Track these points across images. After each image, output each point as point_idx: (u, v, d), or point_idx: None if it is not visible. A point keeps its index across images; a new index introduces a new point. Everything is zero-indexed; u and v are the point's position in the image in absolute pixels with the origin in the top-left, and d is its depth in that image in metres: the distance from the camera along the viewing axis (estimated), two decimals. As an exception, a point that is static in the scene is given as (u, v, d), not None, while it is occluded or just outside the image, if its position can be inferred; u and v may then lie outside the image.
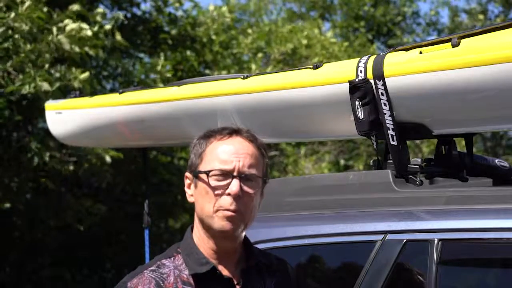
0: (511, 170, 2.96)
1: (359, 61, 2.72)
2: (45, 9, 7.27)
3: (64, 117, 4.15)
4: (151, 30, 10.47)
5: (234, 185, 2.11)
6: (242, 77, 3.19)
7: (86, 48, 7.28)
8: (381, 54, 2.71)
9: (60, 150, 7.81)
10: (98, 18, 7.89)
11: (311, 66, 2.96)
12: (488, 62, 2.39)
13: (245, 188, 2.12)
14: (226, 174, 2.12)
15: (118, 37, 8.34)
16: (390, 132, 2.66)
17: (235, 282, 2.16)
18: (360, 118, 2.69)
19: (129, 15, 10.51)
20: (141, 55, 11.16)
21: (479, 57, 2.41)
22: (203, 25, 11.15)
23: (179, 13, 11.07)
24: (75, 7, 7.34)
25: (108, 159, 7.99)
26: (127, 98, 3.77)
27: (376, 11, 19.98)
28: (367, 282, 2.47)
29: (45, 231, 9.69)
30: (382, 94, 2.63)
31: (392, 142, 2.67)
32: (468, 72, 2.44)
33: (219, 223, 2.12)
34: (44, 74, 6.80)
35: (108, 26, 7.96)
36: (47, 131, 7.28)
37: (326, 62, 3.01)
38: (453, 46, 2.48)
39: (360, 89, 2.67)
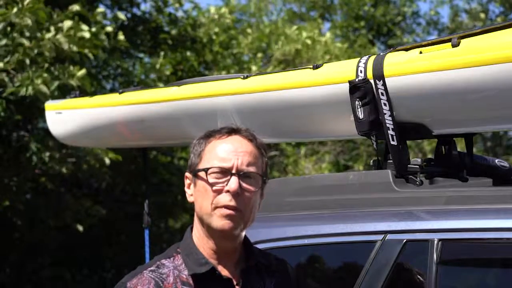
0: (511, 170, 2.95)
1: (359, 61, 2.73)
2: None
3: (64, 117, 4.15)
4: (151, 30, 10.47)
5: (233, 182, 2.11)
6: (242, 77, 3.19)
7: (86, 50, 7.28)
8: (381, 54, 2.71)
9: (59, 150, 7.81)
10: (99, 18, 7.89)
11: (311, 66, 2.96)
12: (488, 62, 2.39)
13: (244, 185, 2.13)
14: (225, 172, 2.13)
15: (121, 37, 8.35)
16: (390, 132, 2.66)
17: (235, 283, 2.16)
18: (360, 118, 2.69)
19: (129, 15, 10.51)
20: (141, 55, 11.16)
21: (479, 57, 2.41)
22: (203, 26, 11.15)
23: (179, 13, 11.08)
24: (75, 7, 7.34)
25: (107, 161, 8.00)
26: (127, 98, 3.77)
27: (376, 11, 19.98)
28: (367, 282, 2.47)
29: (45, 231, 9.69)
30: (382, 94, 2.63)
31: (392, 142, 2.67)
32: (468, 72, 2.44)
33: (218, 222, 2.12)
34: (42, 75, 6.79)
35: (109, 28, 7.96)
36: (47, 131, 7.28)
37: (326, 62, 3.01)
38: (453, 46, 2.48)
39: (360, 89, 2.67)
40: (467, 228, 2.37)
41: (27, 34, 6.99)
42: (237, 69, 11.62)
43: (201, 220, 2.16)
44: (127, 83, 9.43)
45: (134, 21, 10.47)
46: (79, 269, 10.77)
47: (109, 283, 10.62)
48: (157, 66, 10.05)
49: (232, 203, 2.11)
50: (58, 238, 10.14)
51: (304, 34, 13.14)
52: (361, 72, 2.68)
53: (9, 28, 6.98)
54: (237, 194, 2.11)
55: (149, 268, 2.16)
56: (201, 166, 2.16)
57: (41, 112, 7.33)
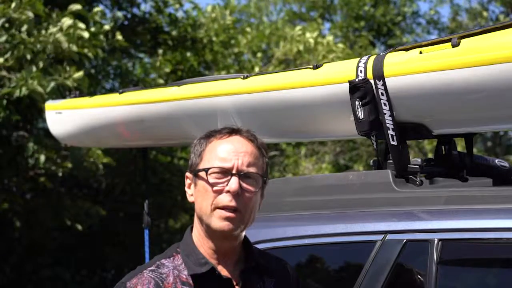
0: (511, 170, 2.96)
1: (359, 61, 2.73)
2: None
3: (64, 117, 4.15)
4: (151, 31, 10.47)
5: (233, 183, 2.11)
6: (242, 77, 3.19)
7: (85, 50, 7.27)
8: (381, 54, 2.71)
9: (56, 152, 7.80)
10: (97, 18, 7.88)
11: (311, 66, 2.96)
12: (488, 62, 2.39)
13: (245, 186, 2.12)
14: (225, 172, 2.12)
15: (119, 37, 8.34)
16: (390, 132, 2.66)
17: (234, 283, 2.16)
18: (360, 118, 2.69)
19: (129, 15, 10.51)
20: (141, 55, 11.17)
21: (479, 57, 2.41)
22: (203, 27, 11.15)
23: (179, 14, 11.08)
24: (75, 7, 7.34)
25: (100, 166, 8.01)
26: (127, 98, 3.77)
27: (376, 11, 19.98)
28: (367, 282, 2.47)
29: (45, 232, 9.69)
30: (382, 94, 2.63)
31: (392, 142, 2.67)
32: (468, 72, 2.44)
33: (218, 222, 2.12)
34: (38, 75, 6.77)
35: (107, 27, 7.95)
36: (46, 131, 7.28)
37: (326, 62, 3.01)
38: (453, 46, 2.48)
39: (360, 89, 2.67)
40: (467, 228, 2.37)
41: (26, 28, 6.96)
42: (237, 69, 11.62)
43: (201, 220, 2.16)
44: (127, 82, 9.43)
45: (134, 21, 10.47)
46: (79, 269, 10.77)
47: (109, 283, 10.62)
48: (157, 64, 10.06)
49: (232, 203, 2.11)
50: (58, 238, 10.15)
51: (308, 34, 13.14)
52: (361, 72, 2.68)
53: (7, 25, 6.96)
54: (237, 195, 2.11)
55: (149, 268, 2.16)
56: (202, 166, 2.16)
57: (40, 112, 7.35)
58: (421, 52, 2.58)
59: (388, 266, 2.45)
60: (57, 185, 9.23)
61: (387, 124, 2.66)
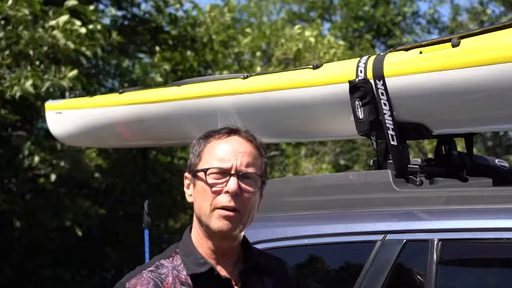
0: (511, 170, 2.95)
1: (359, 61, 2.73)
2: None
3: (64, 117, 4.15)
4: (151, 31, 10.47)
5: (232, 183, 2.11)
6: (242, 77, 3.19)
7: (83, 48, 7.25)
8: (381, 54, 2.71)
9: (52, 153, 7.79)
10: (94, 17, 7.86)
11: (311, 66, 2.96)
12: (488, 62, 2.39)
13: (243, 186, 2.12)
14: (224, 172, 2.12)
15: (114, 35, 8.33)
16: (390, 132, 2.66)
17: (233, 283, 2.16)
18: (360, 118, 2.69)
19: (129, 15, 10.51)
20: (141, 55, 11.17)
21: (479, 57, 2.41)
22: (203, 25, 11.15)
23: (179, 13, 11.08)
24: (71, 2, 7.31)
25: (94, 168, 8.00)
26: (127, 98, 3.77)
27: (376, 12, 19.97)
28: (367, 282, 2.47)
29: (45, 232, 9.69)
30: (382, 94, 2.63)
31: (392, 142, 2.67)
32: (468, 72, 2.44)
33: (217, 223, 2.11)
34: (33, 74, 6.75)
35: (101, 25, 7.93)
36: (47, 131, 7.27)
37: (326, 62, 3.01)
38: (453, 46, 2.48)
39: (360, 89, 2.67)
40: (467, 228, 2.37)
41: (23, 26, 6.94)
42: (237, 69, 11.62)
43: (200, 221, 2.16)
44: (126, 82, 9.43)
45: (134, 21, 10.47)
46: (79, 269, 10.77)
47: (109, 283, 10.61)
48: (155, 60, 10.07)
49: (231, 204, 2.11)
50: (57, 239, 10.14)
51: (307, 33, 13.14)
52: (361, 72, 2.68)
53: (3, 22, 6.94)
54: (236, 195, 2.11)
55: (148, 269, 2.16)
56: (201, 166, 2.16)
57: (38, 112, 7.34)
58: (421, 52, 2.58)
59: (388, 266, 2.44)
60: (57, 186, 9.23)
61: (387, 124, 2.66)
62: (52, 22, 6.99)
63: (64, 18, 7.04)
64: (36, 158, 7.55)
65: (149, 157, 9.67)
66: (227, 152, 2.15)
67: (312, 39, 12.82)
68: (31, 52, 6.93)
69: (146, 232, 4.16)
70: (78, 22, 7.13)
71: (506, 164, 2.97)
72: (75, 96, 4.38)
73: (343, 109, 2.77)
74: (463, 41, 2.47)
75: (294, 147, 13.56)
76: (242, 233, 2.20)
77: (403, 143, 2.69)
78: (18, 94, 6.72)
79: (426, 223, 2.46)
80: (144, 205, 4.15)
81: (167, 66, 10.35)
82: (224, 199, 2.11)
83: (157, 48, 10.37)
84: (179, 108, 3.46)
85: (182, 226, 11.51)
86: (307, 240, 2.67)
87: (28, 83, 6.69)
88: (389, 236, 2.48)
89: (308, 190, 2.85)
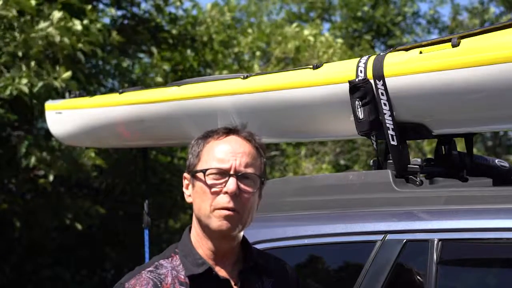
0: (511, 170, 2.95)
1: (359, 61, 2.72)
2: (33, 1, 7.19)
3: (64, 117, 4.15)
4: (151, 30, 10.47)
5: (231, 184, 2.11)
6: (242, 77, 3.19)
7: (80, 45, 7.22)
8: (381, 54, 2.71)
9: (49, 152, 7.77)
10: (93, 17, 7.85)
11: (311, 66, 2.96)
12: (488, 62, 2.39)
13: (242, 186, 2.12)
14: (223, 173, 2.12)
15: (114, 34, 8.31)
16: (390, 132, 2.66)
17: (233, 283, 2.16)
18: (360, 118, 2.69)
19: (129, 14, 10.51)
20: (141, 55, 11.17)
21: (479, 57, 2.41)
22: (203, 24, 11.15)
23: (179, 12, 11.09)
24: None
25: (92, 168, 7.99)
26: (127, 98, 3.76)
27: (375, 12, 19.96)
28: (367, 282, 2.47)
29: (45, 232, 9.69)
30: (382, 94, 2.63)
31: (392, 142, 2.67)
32: (468, 72, 2.44)
33: (216, 223, 2.11)
34: (28, 74, 6.74)
35: (103, 22, 7.91)
36: (46, 131, 7.26)
37: (326, 62, 3.01)
38: (453, 46, 2.48)
39: (360, 89, 2.67)
40: (467, 228, 2.37)
41: (17, 26, 6.92)
42: (237, 69, 11.62)
43: (200, 221, 2.16)
44: (126, 82, 9.43)
45: (134, 20, 10.47)
46: (79, 269, 10.77)
47: (109, 283, 10.61)
48: (154, 61, 10.06)
49: (230, 204, 2.11)
50: (58, 239, 10.14)
51: (306, 31, 13.14)
52: (361, 72, 2.68)
53: None
54: (235, 196, 2.11)
55: (148, 269, 2.16)
56: (199, 167, 2.16)
57: (37, 112, 7.32)
58: (421, 52, 2.58)
59: (388, 266, 2.44)
60: (57, 185, 9.23)
61: (387, 124, 2.66)
62: (44, 25, 6.96)
63: (58, 14, 7.00)
64: (33, 158, 7.54)
65: (149, 157, 9.67)
66: (226, 153, 2.14)
67: (311, 38, 12.82)
68: (20, 54, 6.91)
69: (146, 232, 4.16)
70: (76, 22, 7.11)
71: (506, 164, 2.97)
72: (75, 96, 4.38)
73: (343, 109, 2.77)
74: (463, 41, 2.47)
75: (294, 147, 13.56)
76: (242, 233, 2.20)
77: (403, 143, 2.69)
78: (14, 93, 6.70)
79: (426, 223, 2.46)
80: (144, 205, 4.15)
81: (166, 67, 10.35)
82: (224, 200, 2.11)
83: (156, 50, 10.36)
84: (179, 108, 3.46)
85: (182, 226, 11.51)
86: (307, 240, 2.67)
87: (23, 83, 6.67)
88: (389, 236, 2.48)
89: (308, 190, 2.85)
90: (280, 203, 2.86)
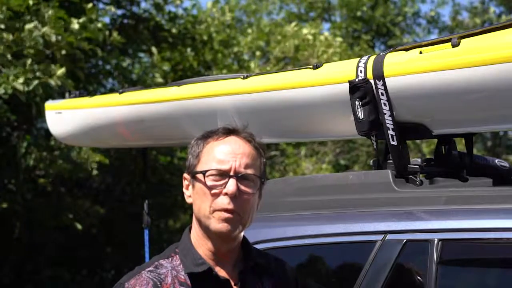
0: (511, 170, 2.95)
1: (359, 61, 2.72)
2: (31, 1, 7.17)
3: (64, 117, 4.15)
4: (150, 29, 10.47)
5: (231, 185, 2.10)
6: (242, 77, 3.19)
7: (79, 41, 7.20)
8: (381, 54, 2.71)
9: (48, 152, 7.76)
10: (94, 16, 7.83)
11: (311, 66, 2.96)
12: (488, 62, 2.39)
13: (242, 187, 2.12)
14: (222, 174, 2.12)
15: (115, 34, 8.30)
16: (390, 132, 2.66)
17: (233, 283, 2.16)
18: (360, 118, 2.69)
19: (128, 14, 10.51)
20: (141, 55, 11.17)
21: (479, 57, 2.41)
22: (203, 23, 11.15)
23: (179, 11, 11.09)
24: None
25: (93, 165, 7.98)
26: (127, 98, 3.76)
27: (375, 12, 19.96)
28: (367, 282, 2.47)
29: (45, 232, 9.69)
30: (382, 94, 2.63)
31: (392, 142, 2.67)
32: (468, 72, 2.44)
33: (216, 224, 2.11)
34: (21, 73, 6.71)
35: (103, 21, 7.89)
36: (46, 131, 7.26)
37: (326, 62, 3.00)
38: (453, 46, 2.48)
39: (360, 89, 2.66)
40: (467, 228, 2.37)
41: (3, 26, 6.89)
42: (237, 69, 11.62)
43: (200, 222, 2.16)
44: (126, 82, 9.42)
45: (134, 19, 10.47)
46: (79, 269, 10.77)
47: (109, 283, 10.61)
48: (154, 61, 10.06)
49: (230, 206, 2.10)
50: (58, 239, 10.14)
51: (305, 30, 13.13)
52: (361, 72, 2.68)
53: None
54: (235, 197, 2.10)
55: (147, 269, 2.16)
56: (199, 168, 2.16)
57: (38, 112, 7.32)
58: (421, 52, 2.58)
59: (388, 266, 2.44)
60: (57, 185, 9.23)
61: (387, 124, 2.66)
62: (32, 24, 6.93)
63: (50, 12, 6.97)
64: (32, 158, 7.53)
65: (149, 157, 9.67)
66: (225, 154, 2.14)
67: (310, 37, 12.82)
68: (9, 57, 6.88)
69: (146, 232, 4.15)
70: (74, 20, 7.09)
71: (506, 164, 2.97)
72: (75, 96, 4.38)
73: (343, 109, 2.77)
74: (463, 41, 2.47)
75: (294, 147, 13.56)
76: (242, 234, 2.20)
77: (403, 143, 2.69)
78: (9, 91, 6.68)
79: (426, 223, 2.45)
80: (144, 205, 4.15)
81: (166, 67, 10.34)
82: (223, 201, 2.11)
83: (155, 50, 10.36)
84: (179, 108, 3.46)
85: (182, 226, 11.51)
86: (307, 240, 2.67)
87: (19, 82, 6.65)
88: (389, 236, 2.48)
89: (308, 190, 2.85)
90: (280, 203, 2.86)
